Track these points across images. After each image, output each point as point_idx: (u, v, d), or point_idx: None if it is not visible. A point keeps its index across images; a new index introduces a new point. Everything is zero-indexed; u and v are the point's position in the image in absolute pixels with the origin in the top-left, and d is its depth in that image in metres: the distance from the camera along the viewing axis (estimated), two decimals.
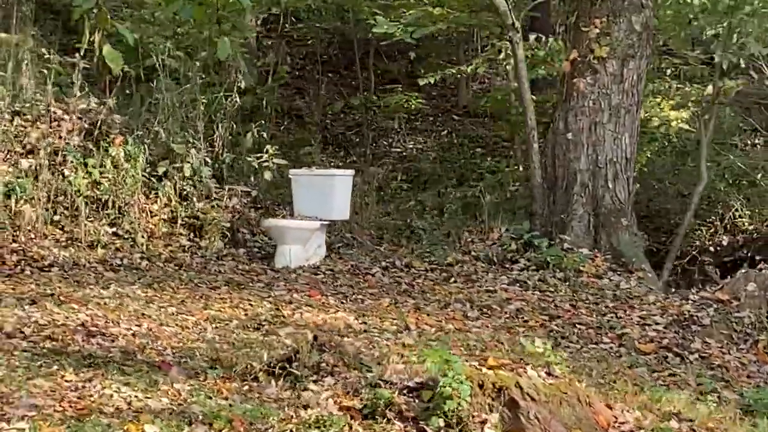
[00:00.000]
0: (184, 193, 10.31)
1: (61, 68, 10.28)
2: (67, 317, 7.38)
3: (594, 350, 7.36)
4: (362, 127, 14.91)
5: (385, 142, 15.41)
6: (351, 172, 10.49)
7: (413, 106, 15.37)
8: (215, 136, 10.66)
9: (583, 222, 9.72)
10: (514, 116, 13.97)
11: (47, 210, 9.78)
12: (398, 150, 15.21)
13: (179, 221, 10.11)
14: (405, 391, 5.29)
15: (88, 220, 9.84)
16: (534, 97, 13.78)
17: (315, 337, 5.92)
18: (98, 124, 10.39)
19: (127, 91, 11.08)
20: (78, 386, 5.83)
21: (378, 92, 15.87)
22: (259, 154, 10.56)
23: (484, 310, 8.23)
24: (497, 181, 12.56)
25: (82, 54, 10.32)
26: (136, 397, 5.61)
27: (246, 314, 7.74)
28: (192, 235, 10.14)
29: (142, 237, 9.82)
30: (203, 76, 10.84)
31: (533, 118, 9.89)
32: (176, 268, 9.47)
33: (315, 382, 5.70)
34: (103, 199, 10.04)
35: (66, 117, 10.43)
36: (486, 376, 5.05)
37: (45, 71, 10.15)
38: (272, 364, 5.87)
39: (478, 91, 17.03)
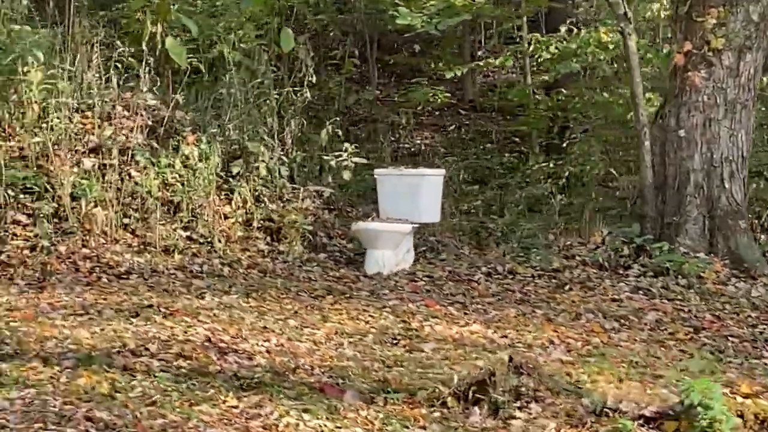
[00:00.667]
0: (256, 194, 9.73)
1: (130, 62, 9.68)
2: (185, 332, 6.92)
3: (758, 366, 6.88)
4: (374, 123, 14.34)
5: (392, 138, 14.88)
6: (442, 171, 10.03)
7: (439, 100, 14.80)
8: (284, 133, 10.07)
9: (698, 225, 9.28)
10: (534, 111, 13.52)
11: (116, 213, 9.18)
12: (407, 146, 14.68)
13: (255, 224, 9.52)
14: (641, 421, 4.79)
15: (159, 223, 9.24)
16: (564, 91, 13.42)
17: (510, 358, 5.43)
18: (164, 121, 9.78)
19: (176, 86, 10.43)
20: (251, 413, 5.38)
21: (380, 86, 15.36)
22: (337, 153, 10.00)
23: (621, 321, 7.79)
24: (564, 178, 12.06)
25: (144, 47, 9.79)
26: (325, 426, 5.12)
27: (373, 327, 7.25)
28: (269, 239, 9.57)
29: (219, 241, 9.24)
30: (275, 69, 10.26)
31: (645, 114, 9.43)
32: (261, 274, 9.00)
33: (519, 408, 5.21)
34: (174, 201, 9.42)
35: (126, 113, 9.80)
36: (745, 406, 4.58)
37: (119, 66, 9.52)
38: (462, 388, 5.33)
39: (482, 84, 16.51)
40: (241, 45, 10.43)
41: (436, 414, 5.37)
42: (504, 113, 15.46)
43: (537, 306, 8.13)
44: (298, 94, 10.38)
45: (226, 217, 9.66)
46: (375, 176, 9.87)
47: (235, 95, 10.13)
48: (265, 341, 6.79)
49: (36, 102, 9.32)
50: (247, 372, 6.09)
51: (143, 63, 9.77)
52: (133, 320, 7.19)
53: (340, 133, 10.45)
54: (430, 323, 7.42)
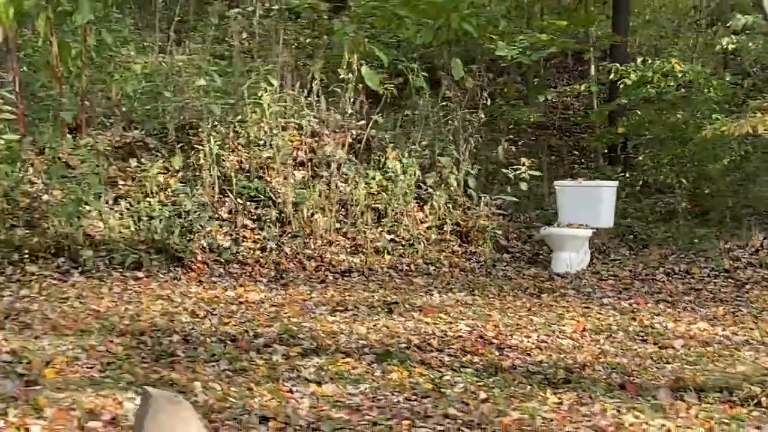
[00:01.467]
0: (443, 201, 9.07)
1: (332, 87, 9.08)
2: (449, 328, 6.25)
3: None
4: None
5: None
6: (616, 183, 9.31)
7: (532, 119, 14.06)
8: (463, 148, 9.40)
9: None
10: (604, 129, 12.83)
11: (330, 218, 8.55)
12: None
13: (447, 229, 8.85)
14: None
15: (367, 227, 8.59)
16: (639, 113, 12.71)
17: None
18: (363, 139, 9.16)
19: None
20: (582, 411, 4.64)
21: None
22: (515, 166, 9.33)
23: None
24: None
25: (342, 74, 9.19)
26: (668, 424, 4.40)
27: (611, 324, 6.55)
28: (459, 241, 8.90)
29: (420, 243, 8.57)
30: (458, 94, 9.59)
31: None
32: (464, 273, 8.37)
33: None
34: (379, 208, 8.78)
35: (326, 131, 9.17)
36: None
37: (341, 90, 8.93)
38: None
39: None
40: (423, 74, 9.70)
41: (755, 413, 4.63)
42: (563, 131, 14.77)
43: (734, 304, 7.40)
44: (473, 115, 9.69)
45: (421, 222, 8.98)
46: (555, 187, 9.19)
47: (423, 115, 9.47)
48: (526, 337, 6.14)
49: (266, 122, 8.67)
50: (536, 368, 5.43)
51: (344, 88, 9.11)
52: (393, 316, 6.52)
53: (514, 149, 9.71)
54: (658, 321, 6.70)
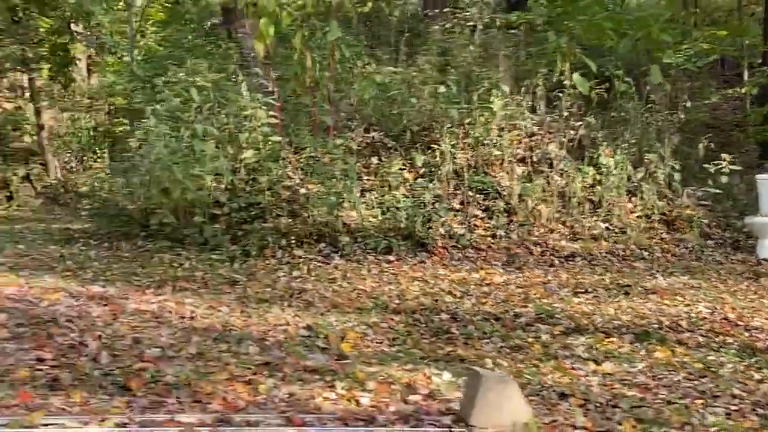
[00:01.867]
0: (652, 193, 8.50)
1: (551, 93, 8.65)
2: (690, 309, 5.72)
3: None
4: None
5: None
6: None
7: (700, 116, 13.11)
8: (666, 145, 8.79)
9: None
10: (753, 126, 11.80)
11: (551, 208, 8.10)
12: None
13: (655, 218, 8.27)
14: None
15: (583, 216, 8.11)
16: None
17: None
18: (575, 138, 8.67)
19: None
20: None
21: None
22: (716, 161, 8.66)
23: None
24: None
25: (555, 80, 8.73)
26: None
27: None
28: (666, 229, 8.31)
29: (632, 231, 8.03)
30: (660, 97, 9.02)
31: None
32: (675, 258, 7.78)
33: None
34: (593, 200, 8.28)
35: (541, 131, 8.73)
36: None
37: (561, 95, 8.49)
38: None
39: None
40: (626, 80, 9.15)
41: None
42: (715, 129, 13.81)
43: None
44: (673, 116, 9.09)
45: (631, 212, 8.45)
46: (757, 180, 8.50)
47: (630, 116, 8.93)
48: (766, 319, 5.52)
49: (495, 124, 8.32)
50: None
51: (563, 93, 8.67)
52: (632, 298, 6.04)
53: (713, 145, 9.06)
54: None
